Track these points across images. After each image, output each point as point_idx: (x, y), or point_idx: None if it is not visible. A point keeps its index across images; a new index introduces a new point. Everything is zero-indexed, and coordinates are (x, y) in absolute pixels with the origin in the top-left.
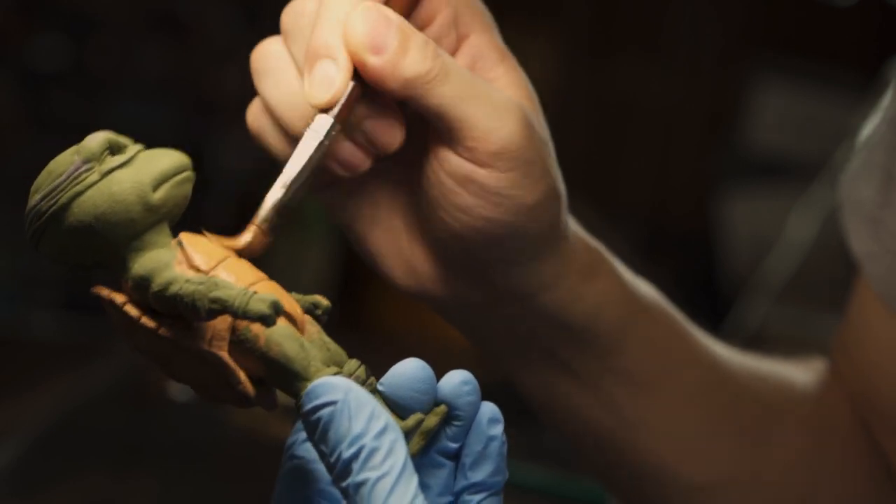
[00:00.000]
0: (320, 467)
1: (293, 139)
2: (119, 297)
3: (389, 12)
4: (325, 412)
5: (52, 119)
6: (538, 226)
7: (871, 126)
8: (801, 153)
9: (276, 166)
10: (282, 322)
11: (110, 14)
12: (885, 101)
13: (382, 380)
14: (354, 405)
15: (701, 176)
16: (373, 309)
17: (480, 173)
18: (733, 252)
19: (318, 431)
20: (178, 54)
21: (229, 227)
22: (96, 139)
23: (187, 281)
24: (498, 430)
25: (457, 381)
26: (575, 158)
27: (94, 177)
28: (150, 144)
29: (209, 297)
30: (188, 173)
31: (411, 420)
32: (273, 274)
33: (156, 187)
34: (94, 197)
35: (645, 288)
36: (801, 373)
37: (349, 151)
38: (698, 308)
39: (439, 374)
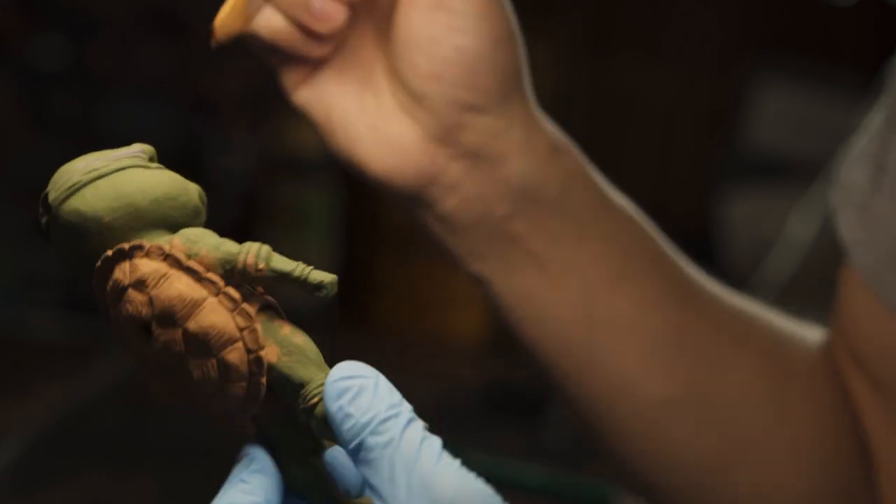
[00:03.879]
0: None
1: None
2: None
3: None
4: (357, 382)
5: (52, 119)
6: (504, 61)
7: (871, 115)
8: (801, 153)
9: (278, 165)
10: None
11: (110, 14)
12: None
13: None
14: (385, 383)
15: (701, 176)
16: (373, 309)
17: None
18: (733, 252)
19: (351, 396)
20: (178, 54)
21: (230, 227)
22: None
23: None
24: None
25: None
26: None
27: (139, 162)
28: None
29: (270, 266)
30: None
31: None
32: None
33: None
34: (140, 176)
35: (616, 193)
36: (765, 311)
37: (321, 1)
38: None
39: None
